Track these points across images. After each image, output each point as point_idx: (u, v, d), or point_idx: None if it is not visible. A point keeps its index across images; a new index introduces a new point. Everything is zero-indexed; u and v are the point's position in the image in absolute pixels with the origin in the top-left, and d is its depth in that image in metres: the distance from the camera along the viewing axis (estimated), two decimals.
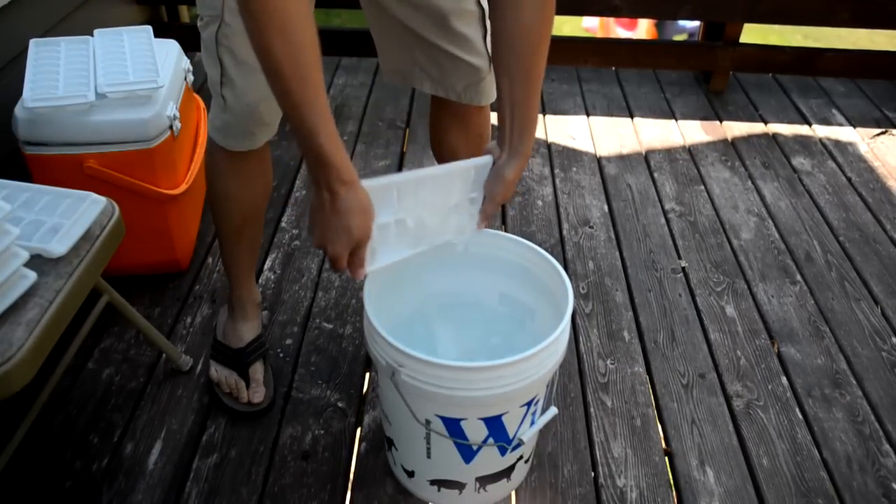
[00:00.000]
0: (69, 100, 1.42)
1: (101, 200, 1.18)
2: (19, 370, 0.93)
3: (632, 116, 2.52)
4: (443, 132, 1.41)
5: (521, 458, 1.21)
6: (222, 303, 1.63)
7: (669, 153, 2.31)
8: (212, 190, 1.33)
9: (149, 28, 1.66)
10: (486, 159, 1.14)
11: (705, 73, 2.75)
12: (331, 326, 1.60)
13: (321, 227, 0.97)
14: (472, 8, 1.20)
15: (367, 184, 0.99)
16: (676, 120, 2.50)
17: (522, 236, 1.24)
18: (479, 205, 1.16)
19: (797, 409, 1.46)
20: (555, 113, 2.52)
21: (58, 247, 1.05)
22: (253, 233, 1.40)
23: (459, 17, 1.19)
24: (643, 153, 2.31)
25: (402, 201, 1.08)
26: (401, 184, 1.07)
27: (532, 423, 1.14)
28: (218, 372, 1.42)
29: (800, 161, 2.29)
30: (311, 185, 0.96)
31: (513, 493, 1.28)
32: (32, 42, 1.57)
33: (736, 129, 2.46)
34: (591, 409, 1.44)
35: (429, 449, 1.14)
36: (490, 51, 1.18)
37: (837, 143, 2.40)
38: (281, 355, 1.53)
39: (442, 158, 1.45)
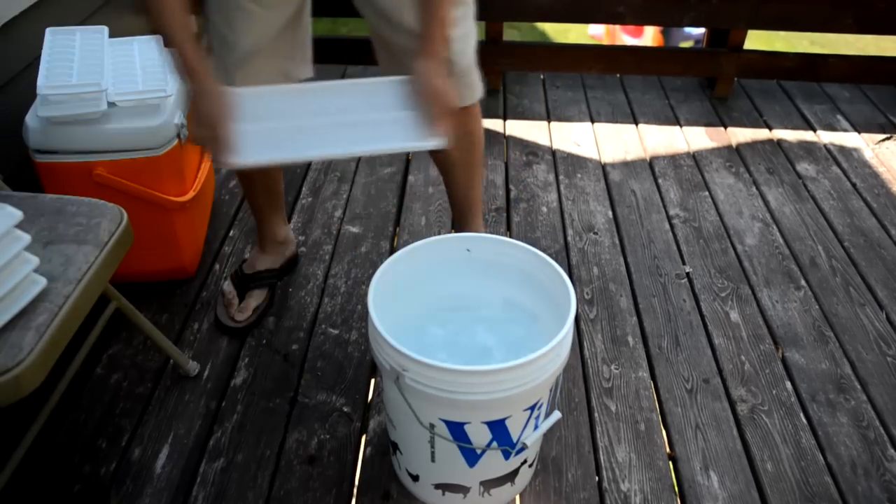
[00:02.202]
0: (83, 87, 1.44)
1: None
2: (29, 374, 0.95)
3: (636, 123, 2.53)
4: None
5: (525, 462, 1.21)
6: None
7: (674, 159, 2.32)
8: None
9: (159, 37, 1.67)
10: (390, 79, 1.20)
11: (710, 79, 2.75)
12: (336, 332, 1.62)
13: (190, 117, 1.14)
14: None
15: (236, 90, 1.15)
16: (681, 126, 2.51)
17: (527, 242, 1.24)
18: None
19: (801, 414, 1.46)
20: (559, 119, 2.53)
21: None
22: (263, 184, 1.59)
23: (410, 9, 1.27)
24: (648, 159, 2.32)
25: (275, 108, 1.15)
26: (271, 92, 1.18)
27: (536, 427, 1.15)
28: (226, 287, 1.65)
29: (804, 167, 2.30)
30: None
31: (517, 497, 1.29)
32: (48, 30, 1.59)
33: (740, 135, 2.47)
34: (596, 414, 1.45)
35: (433, 453, 1.15)
36: (463, 52, 1.32)
37: (842, 148, 2.40)
38: (287, 361, 1.54)
39: (434, 158, 1.56)
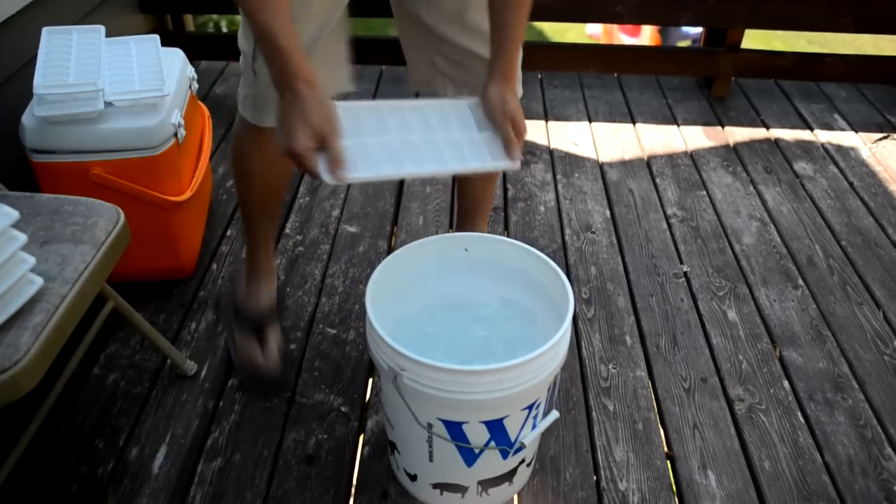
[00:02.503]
0: (79, 87, 1.43)
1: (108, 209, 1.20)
2: (26, 374, 0.95)
3: (634, 122, 2.53)
4: None
5: (523, 461, 1.21)
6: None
7: (671, 158, 2.32)
8: (238, 169, 1.41)
9: (156, 37, 1.67)
10: (462, 100, 1.18)
11: (707, 78, 2.76)
12: (334, 332, 1.61)
13: (286, 126, 1.00)
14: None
15: (342, 104, 1.06)
16: (678, 125, 2.51)
17: (525, 241, 1.24)
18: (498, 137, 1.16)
19: (799, 413, 1.46)
20: (557, 119, 2.53)
21: None
22: (272, 208, 1.48)
23: (474, 12, 1.23)
24: (645, 159, 2.32)
25: (368, 124, 1.11)
26: (361, 108, 1.12)
27: (534, 426, 1.15)
28: (237, 335, 1.51)
29: (802, 166, 2.30)
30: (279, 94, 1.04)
31: (515, 497, 1.29)
32: (45, 30, 1.58)
33: (738, 134, 2.47)
34: (593, 413, 1.45)
35: (431, 452, 1.14)
36: None
37: (839, 147, 2.41)
38: (285, 360, 1.54)
39: None
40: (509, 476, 1.21)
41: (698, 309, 1.71)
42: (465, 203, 1.66)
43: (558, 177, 2.21)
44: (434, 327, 1.30)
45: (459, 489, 1.20)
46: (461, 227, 1.68)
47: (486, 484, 1.19)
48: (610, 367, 1.55)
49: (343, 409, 1.44)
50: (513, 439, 1.12)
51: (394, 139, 1.11)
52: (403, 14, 1.33)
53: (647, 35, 4.53)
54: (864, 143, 2.43)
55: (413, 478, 1.23)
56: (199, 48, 2.62)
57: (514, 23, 1.14)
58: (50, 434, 1.37)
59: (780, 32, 3.66)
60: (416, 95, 1.30)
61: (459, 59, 1.30)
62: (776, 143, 2.43)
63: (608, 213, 2.05)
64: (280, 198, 1.49)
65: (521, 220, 2.01)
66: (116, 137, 1.47)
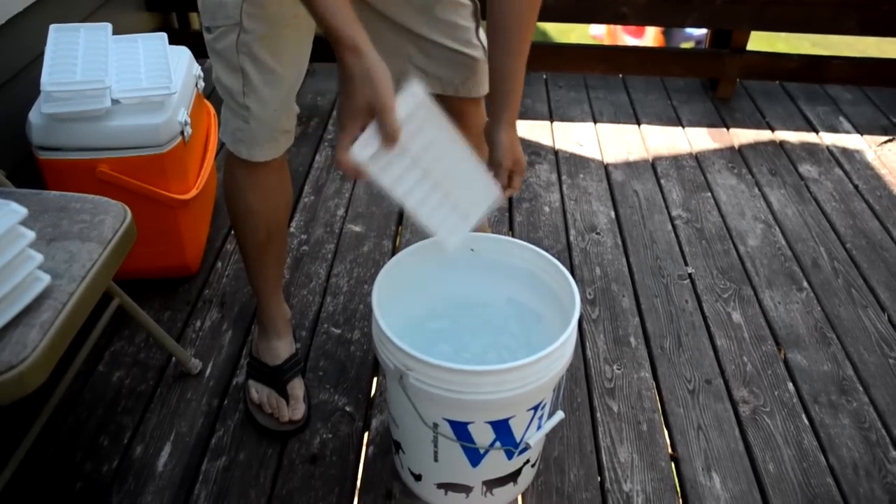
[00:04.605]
0: (86, 84, 1.43)
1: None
2: (33, 371, 0.95)
3: (639, 123, 2.53)
4: None
5: (527, 462, 1.21)
6: (231, 307, 1.65)
7: (676, 160, 2.32)
8: (233, 208, 1.31)
9: (164, 35, 1.67)
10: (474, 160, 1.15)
11: (712, 80, 2.76)
12: (339, 331, 1.61)
13: (341, 102, 0.94)
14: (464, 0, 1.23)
15: (415, 98, 0.97)
16: (683, 127, 2.51)
17: (530, 242, 1.24)
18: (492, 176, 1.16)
19: (803, 416, 1.46)
20: (562, 120, 2.53)
21: None
22: (278, 249, 1.39)
23: (443, 7, 1.23)
24: (650, 160, 2.32)
25: (428, 142, 1.02)
26: (437, 123, 1.02)
27: (539, 427, 1.15)
28: (259, 392, 1.40)
29: (807, 168, 2.30)
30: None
31: (519, 497, 1.29)
32: (52, 27, 1.58)
33: (743, 136, 2.47)
34: (598, 414, 1.45)
35: (436, 452, 1.14)
36: (484, 42, 1.24)
37: (844, 150, 2.40)
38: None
39: None
40: (514, 476, 1.21)
41: (703, 310, 1.71)
42: None
43: (563, 177, 2.20)
44: (440, 327, 1.30)
45: (464, 489, 1.20)
46: None
47: (491, 484, 1.19)
48: (614, 368, 1.55)
49: (347, 408, 1.44)
50: (518, 440, 1.12)
51: (428, 168, 1.04)
52: (371, 12, 1.24)
53: (650, 36, 4.52)
54: (869, 146, 2.43)
55: (418, 477, 1.23)
56: (205, 46, 2.62)
57: (520, 72, 1.18)
58: (55, 431, 1.37)
59: (784, 35, 3.65)
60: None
61: (433, 53, 1.27)
62: (781, 145, 2.43)
63: (613, 213, 2.04)
64: (283, 238, 1.40)
65: (525, 220, 2.01)
66: (123, 135, 1.47)
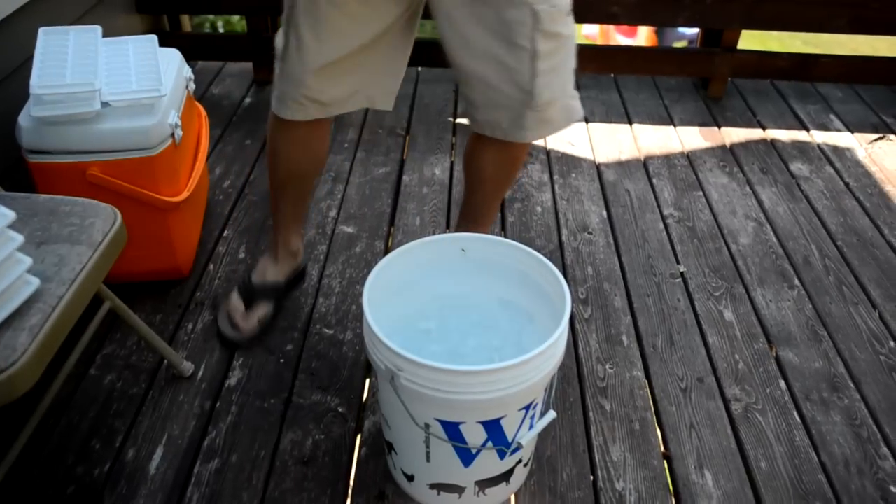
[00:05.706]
0: (76, 87, 1.43)
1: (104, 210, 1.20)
2: (22, 375, 0.94)
3: (630, 123, 2.53)
4: (477, 157, 1.49)
5: (520, 461, 1.22)
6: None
7: (668, 159, 2.32)
8: (269, 145, 1.50)
9: (154, 37, 1.67)
10: None
11: (703, 79, 2.76)
12: (331, 332, 1.61)
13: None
14: (522, 43, 1.22)
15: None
16: (675, 126, 2.52)
17: (522, 242, 1.24)
18: None
19: (795, 413, 1.47)
20: None
21: None
22: (296, 192, 1.56)
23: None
24: (642, 159, 2.32)
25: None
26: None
27: (531, 426, 1.15)
28: (233, 299, 1.59)
29: (798, 166, 2.30)
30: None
31: (512, 497, 1.29)
32: (41, 30, 1.58)
33: (734, 134, 2.47)
34: (590, 413, 1.45)
35: (428, 453, 1.14)
36: (537, 88, 1.26)
37: (835, 148, 2.41)
38: (282, 361, 1.54)
39: (469, 173, 1.56)
40: (506, 476, 1.21)
41: (695, 309, 1.72)
42: (469, 209, 1.62)
43: (555, 177, 2.21)
44: (431, 327, 1.30)
45: (456, 489, 1.20)
46: (459, 229, 1.67)
47: (483, 484, 1.20)
48: (607, 367, 1.56)
49: (340, 409, 1.44)
50: (510, 439, 1.12)
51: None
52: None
53: (643, 36, 4.53)
54: (859, 144, 2.44)
55: (410, 478, 1.23)
56: (196, 48, 2.62)
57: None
58: (46, 435, 1.37)
59: (775, 33, 3.66)
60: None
61: (482, 91, 1.32)
62: (772, 143, 2.43)
63: (605, 213, 2.05)
64: (304, 186, 1.57)
65: (517, 220, 2.01)
66: (113, 138, 1.46)
